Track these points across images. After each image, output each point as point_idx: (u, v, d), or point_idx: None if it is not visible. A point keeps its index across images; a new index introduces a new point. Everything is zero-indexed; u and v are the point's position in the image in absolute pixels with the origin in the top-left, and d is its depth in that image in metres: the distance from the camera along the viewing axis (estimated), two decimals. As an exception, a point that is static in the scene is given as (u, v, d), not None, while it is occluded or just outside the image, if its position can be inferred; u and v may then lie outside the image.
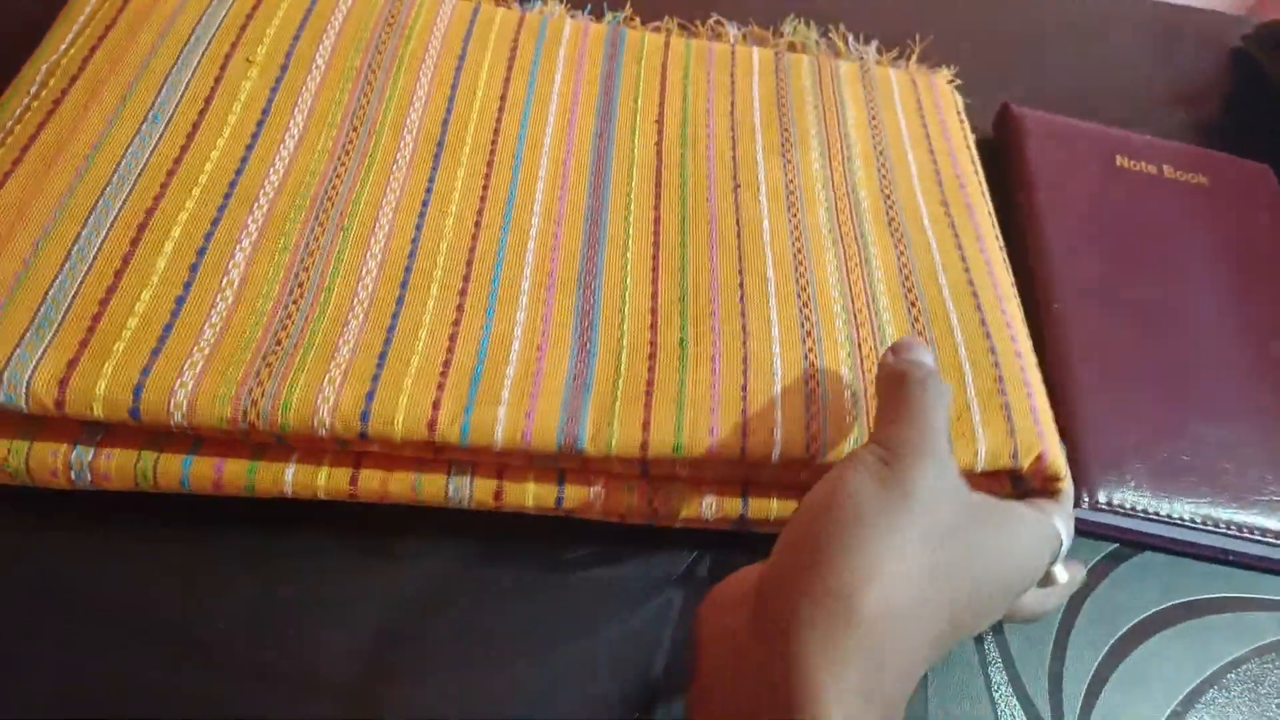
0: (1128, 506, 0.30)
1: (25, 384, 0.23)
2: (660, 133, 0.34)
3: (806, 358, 0.28)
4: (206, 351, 0.24)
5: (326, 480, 0.25)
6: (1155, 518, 0.30)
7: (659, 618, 0.27)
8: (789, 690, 0.18)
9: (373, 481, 0.26)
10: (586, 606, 0.27)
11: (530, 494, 0.26)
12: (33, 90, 0.29)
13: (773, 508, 0.27)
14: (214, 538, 0.26)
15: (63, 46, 0.30)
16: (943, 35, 0.44)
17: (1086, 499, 0.30)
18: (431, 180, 0.30)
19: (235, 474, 0.25)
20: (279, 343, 0.25)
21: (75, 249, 0.25)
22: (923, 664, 0.19)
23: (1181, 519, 0.30)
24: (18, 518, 0.26)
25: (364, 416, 0.24)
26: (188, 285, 0.25)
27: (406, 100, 0.32)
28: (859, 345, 0.29)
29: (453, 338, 0.26)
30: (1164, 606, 0.30)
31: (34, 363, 0.23)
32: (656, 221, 0.31)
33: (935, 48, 0.44)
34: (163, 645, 0.24)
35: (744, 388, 0.27)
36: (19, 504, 0.25)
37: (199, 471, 0.25)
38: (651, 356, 0.27)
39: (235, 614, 0.25)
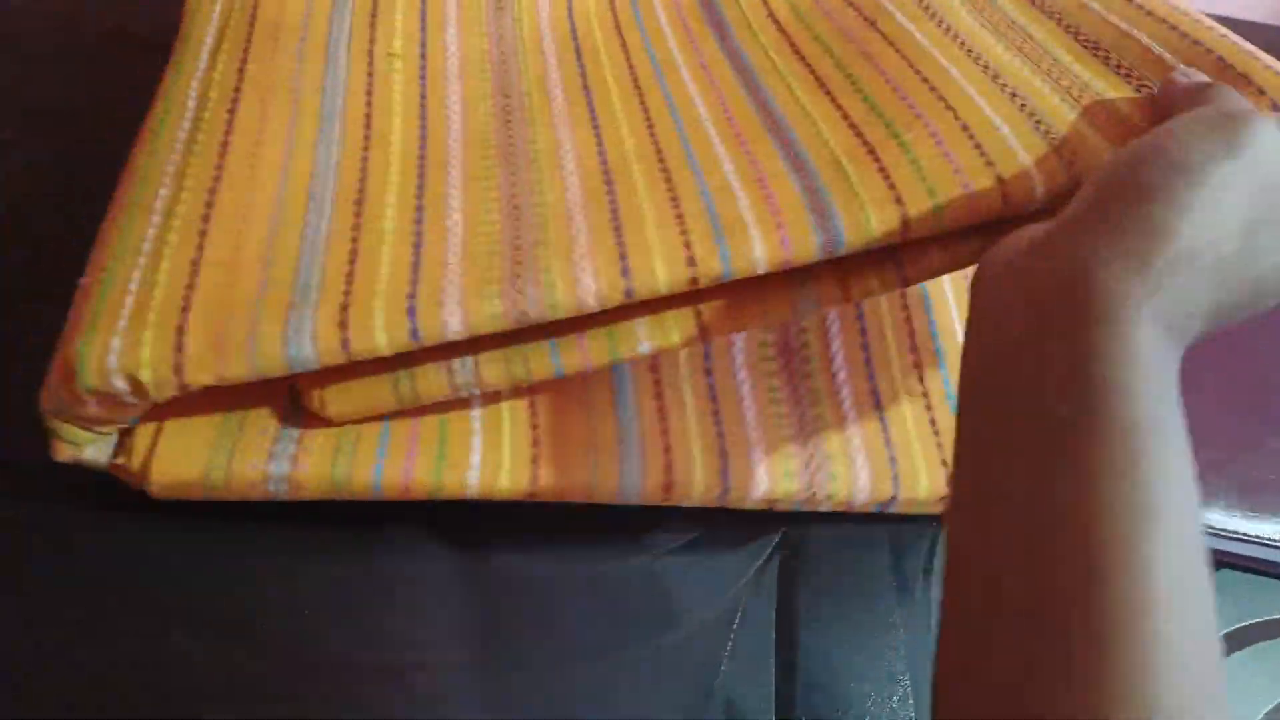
0: (1208, 526, 0.29)
1: (310, 337, 0.23)
2: None
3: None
4: (459, 271, 0.25)
5: (510, 481, 0.27)
6: (1235, 536, 0.30)
7: (724, 619, 0.28)
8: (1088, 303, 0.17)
9: (549, 479, 0.27)
10: (659, 605, 0.28)
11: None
12: (192, 106, 0.30)
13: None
14: (305, 528, 0.27)
15: (202, 64, 0.31)
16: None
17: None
18: (593, 113, 0.31)
19: (423, 477, 0.26)
20: (518, 247, 0.26)
21: (308, 233, 0.26)
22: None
23: (1261, 538, 0.30)
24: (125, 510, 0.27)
25: (624, 272, 0.24)
26: (418, 234, 0.26)
27: (538, 48, 0.34)
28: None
29: (673, 198, 0.27)
30: (1241, 625, 0.30)
31: (310, 324, 0.24)
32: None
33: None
34: (242, 639, 0.25)
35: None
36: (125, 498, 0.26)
37: (390, 478, 0.26)
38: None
39: (318, 602, 0.26)
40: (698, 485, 0.28)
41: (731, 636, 0.28)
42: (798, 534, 0.30)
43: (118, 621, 0.25)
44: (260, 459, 0.26)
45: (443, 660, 0.26)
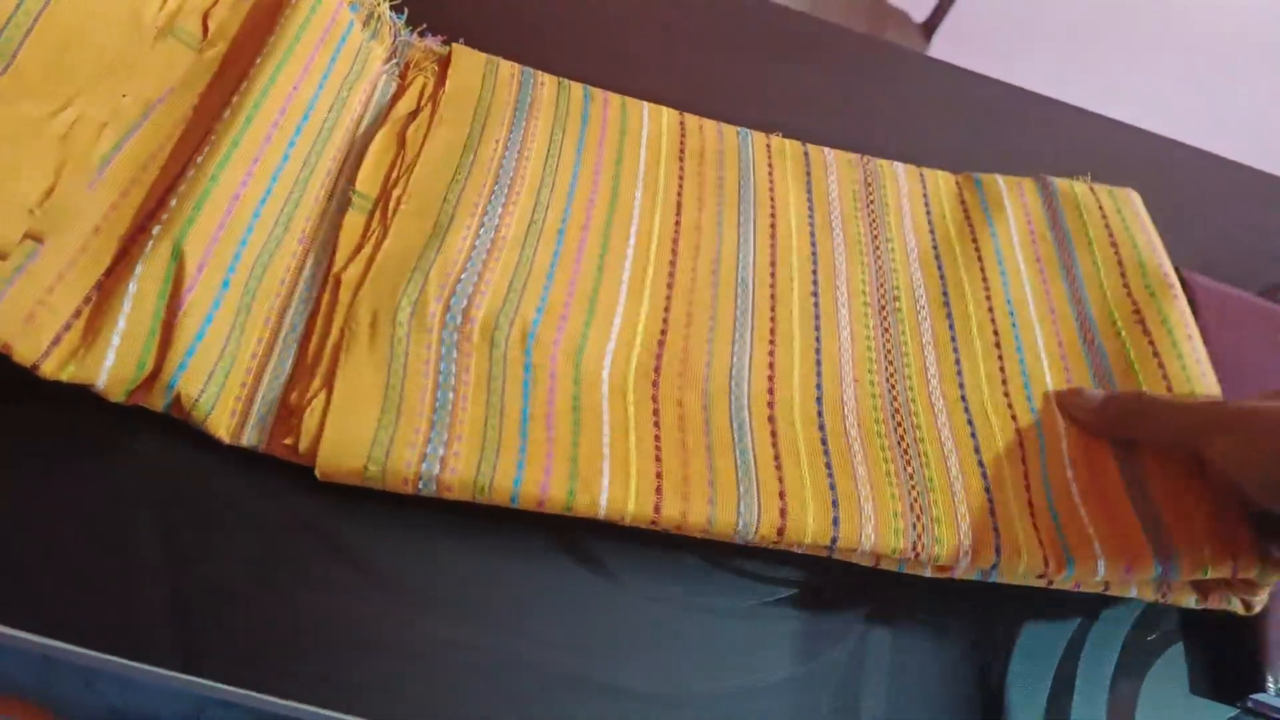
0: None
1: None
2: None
3: None
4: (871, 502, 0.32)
5: (636, 507, 0.29)
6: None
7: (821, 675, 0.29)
8: None
9: (672, 509, 0.29)
10: (773, 648, 0.30)
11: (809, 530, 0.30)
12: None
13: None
14: (451, 539, 0.29)
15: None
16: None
17: (1273, 683, 0.31)
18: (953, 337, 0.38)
19: (558, 493, 0.28)
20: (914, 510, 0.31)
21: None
22: None
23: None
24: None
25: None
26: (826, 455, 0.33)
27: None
28: None
29: (1031, 507, 0.33)
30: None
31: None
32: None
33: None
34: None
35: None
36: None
37: (528, 490, 0.28)
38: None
39: (452, 612, 0.28)
40: (810, 530, 0.30)
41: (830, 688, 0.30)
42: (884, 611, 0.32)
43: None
44: (414, 458, 0.28)
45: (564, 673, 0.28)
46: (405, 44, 0.39)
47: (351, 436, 0.28)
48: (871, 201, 0.41)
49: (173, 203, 0.29)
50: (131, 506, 0.27)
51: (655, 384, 0.33)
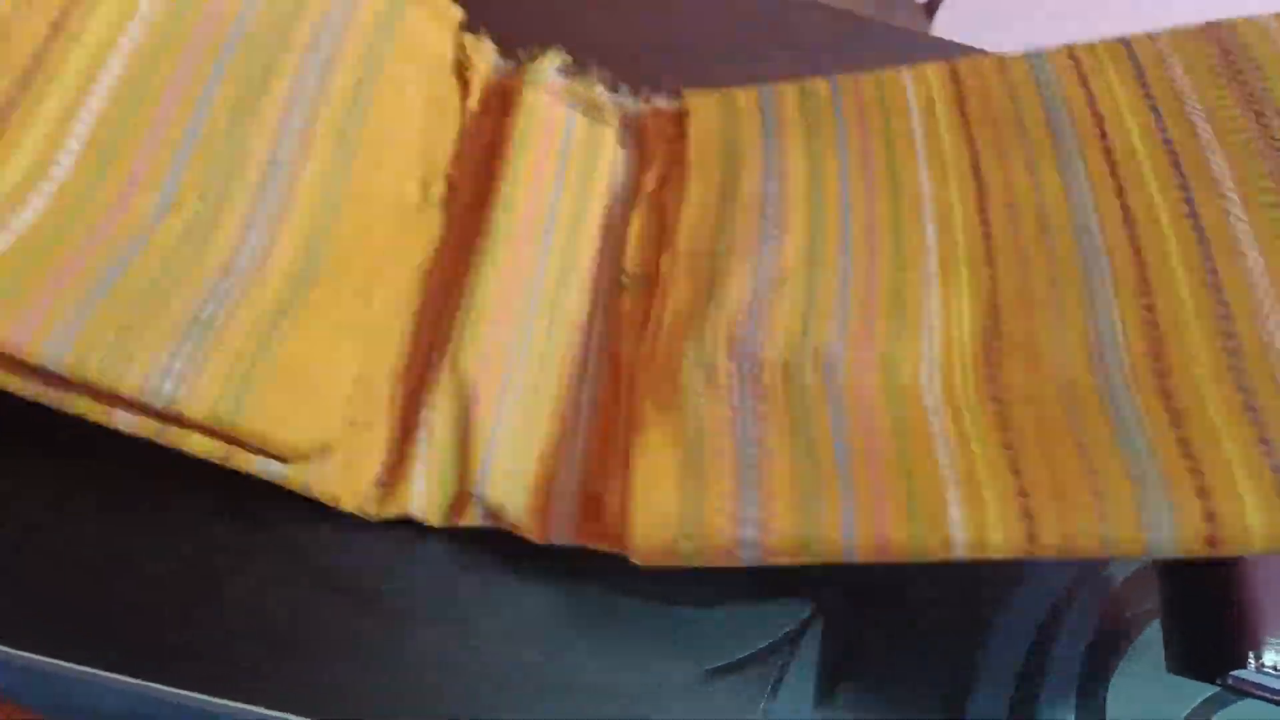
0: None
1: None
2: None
3: None
4: None
5: (1001, 537, 0.23)
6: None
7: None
8: None
9: (1052, 533, 0.23)
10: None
11: None
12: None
13: None
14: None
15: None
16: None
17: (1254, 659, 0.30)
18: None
19: (899, 536, 0.23)
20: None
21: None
22: None
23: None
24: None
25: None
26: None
27: None
28: None
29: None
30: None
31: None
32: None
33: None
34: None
35: None
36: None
37: (864, 538, 0.23)
38: None
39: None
40: (1256, 530, 0.22)
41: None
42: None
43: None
44: (728, 525, 0.24)
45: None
46: (635, 113, 0.38)
47: (658, 514, 0.25)
48: (1240, 72, 0.30)
49: (458, 325, 0.30)
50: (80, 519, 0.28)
51: (994, 380, 0.27)
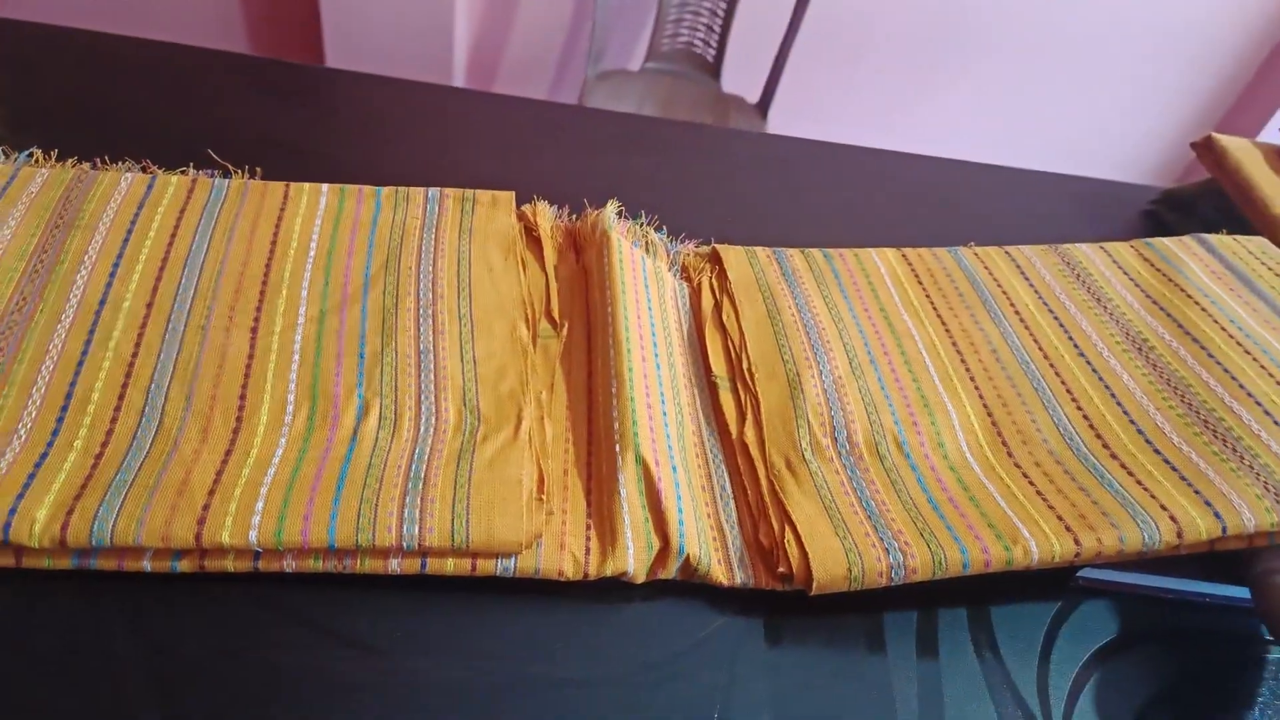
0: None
1: None
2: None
3: None
4: None
5: (1059, 547, 0.36)
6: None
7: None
8: None
9: (1090, 542, 0.36)
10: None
11: None
12: None
13: None
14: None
15: None
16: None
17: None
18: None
19: (998, 556, 0.35)
20: None
21: None
22: None
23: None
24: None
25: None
26: None
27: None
28: None
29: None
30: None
31: None
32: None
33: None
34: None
35: None
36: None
37: (974, 560, 0.35)
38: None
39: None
40: (1203, 527, 0.36)
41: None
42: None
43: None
44: (880, 556, 0.34)
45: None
46: (676, 252, 0.49)
47: (829, 554, 0.35)
48: (1079, 274, 0.51)
49: (616, 425, 0.38)
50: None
51: (1010, 454, 0.41)
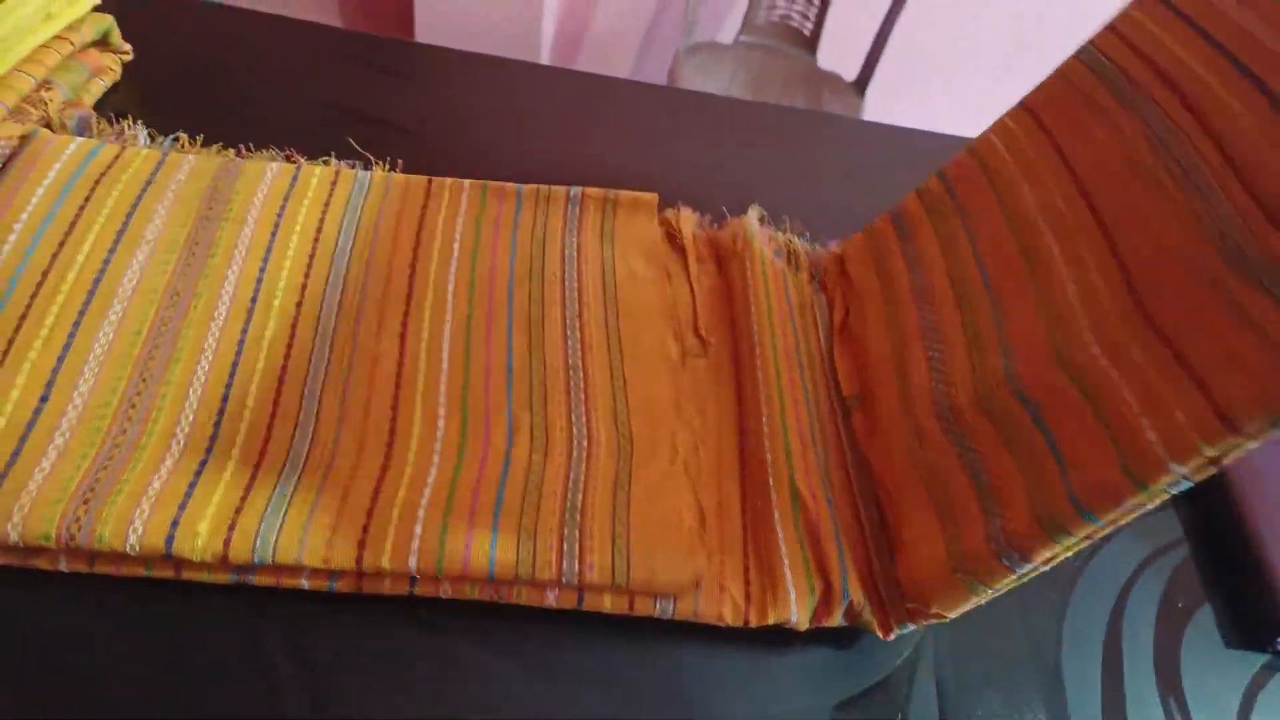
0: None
1: None
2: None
3: None
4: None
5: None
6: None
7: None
8: None
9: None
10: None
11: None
12: None
13: None
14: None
15: None
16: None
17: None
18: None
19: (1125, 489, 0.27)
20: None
21: None
22: None
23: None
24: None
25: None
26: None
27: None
28: None
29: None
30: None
31: None
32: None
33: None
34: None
35: None
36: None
37: (1099, 504, 0.27)
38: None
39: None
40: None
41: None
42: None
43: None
44: (986, 545, 0.31)
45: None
46: (815, 256, 0.46)
47: (936, 568, 0.32)
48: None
49: (768, 455, 0.36)
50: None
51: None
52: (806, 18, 1.41)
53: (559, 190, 0.45)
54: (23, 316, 0.34)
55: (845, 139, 0.59)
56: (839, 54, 1.39)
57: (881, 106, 1.42)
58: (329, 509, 0.31)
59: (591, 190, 0.45)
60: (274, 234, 0.40)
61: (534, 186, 0.45)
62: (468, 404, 0.36)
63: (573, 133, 0.54)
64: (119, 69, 0.46)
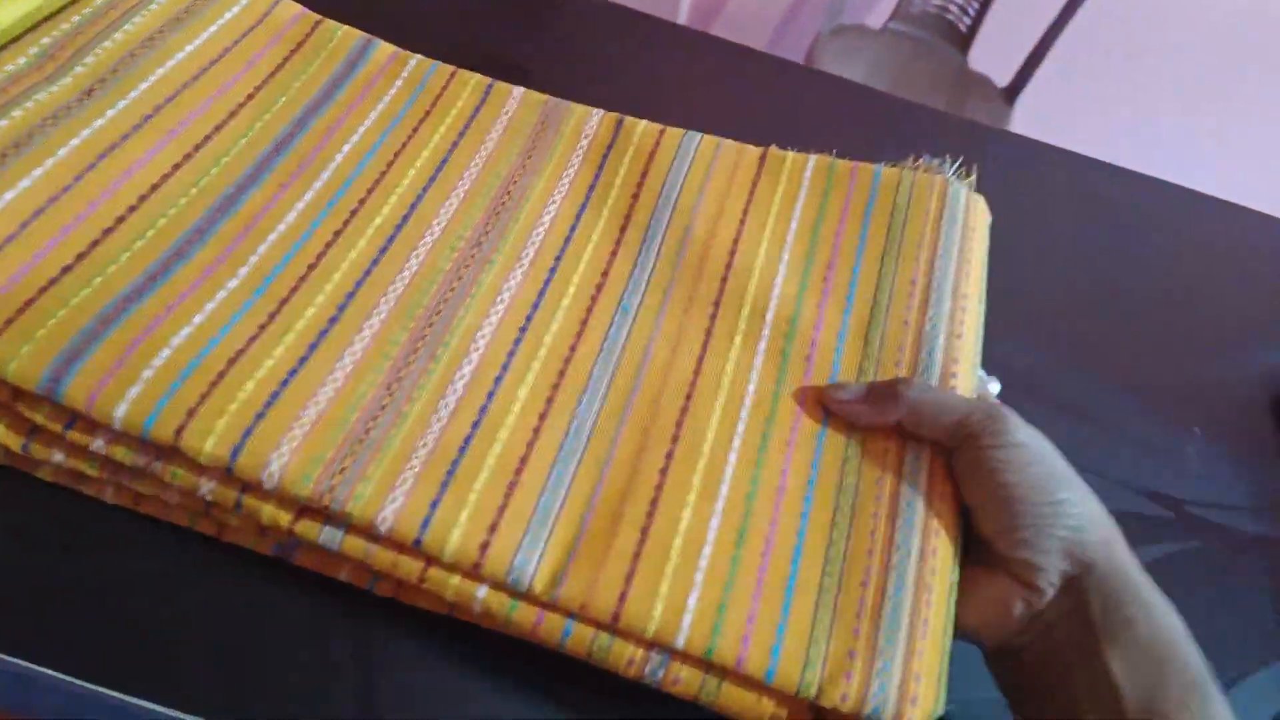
0: None
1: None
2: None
3: None
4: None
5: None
6: None
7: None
8: None
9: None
10: None
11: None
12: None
13: None
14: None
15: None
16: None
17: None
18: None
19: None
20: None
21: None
22: None
23: None
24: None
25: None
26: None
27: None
28: None
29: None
30: None
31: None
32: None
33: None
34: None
35: None
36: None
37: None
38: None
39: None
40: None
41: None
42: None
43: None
44: None
45: None
46: None
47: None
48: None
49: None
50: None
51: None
52: (965, 13, 1.32)
53: (924, 174, 0.37)
54: (346, 222, 0.33)
55: (1001, 158, 0.54)
56: (993, 56, 1.30)
57: (1029, 119, 1.33)
58: (593, 555, 0.27)
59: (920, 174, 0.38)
60: (591, 187, 0.37)
61: (897, 169, 0.38)
62: (767, 444, 0.30)
63: (702, 100, 0.51)
64: None
